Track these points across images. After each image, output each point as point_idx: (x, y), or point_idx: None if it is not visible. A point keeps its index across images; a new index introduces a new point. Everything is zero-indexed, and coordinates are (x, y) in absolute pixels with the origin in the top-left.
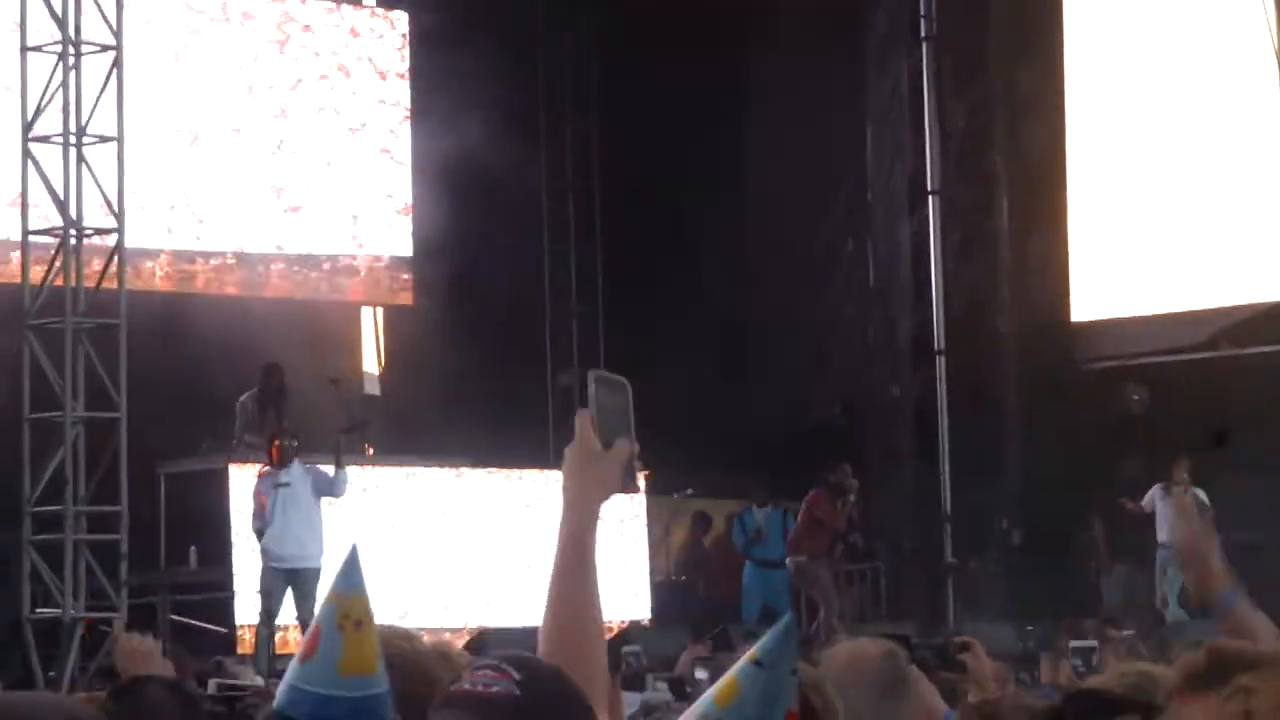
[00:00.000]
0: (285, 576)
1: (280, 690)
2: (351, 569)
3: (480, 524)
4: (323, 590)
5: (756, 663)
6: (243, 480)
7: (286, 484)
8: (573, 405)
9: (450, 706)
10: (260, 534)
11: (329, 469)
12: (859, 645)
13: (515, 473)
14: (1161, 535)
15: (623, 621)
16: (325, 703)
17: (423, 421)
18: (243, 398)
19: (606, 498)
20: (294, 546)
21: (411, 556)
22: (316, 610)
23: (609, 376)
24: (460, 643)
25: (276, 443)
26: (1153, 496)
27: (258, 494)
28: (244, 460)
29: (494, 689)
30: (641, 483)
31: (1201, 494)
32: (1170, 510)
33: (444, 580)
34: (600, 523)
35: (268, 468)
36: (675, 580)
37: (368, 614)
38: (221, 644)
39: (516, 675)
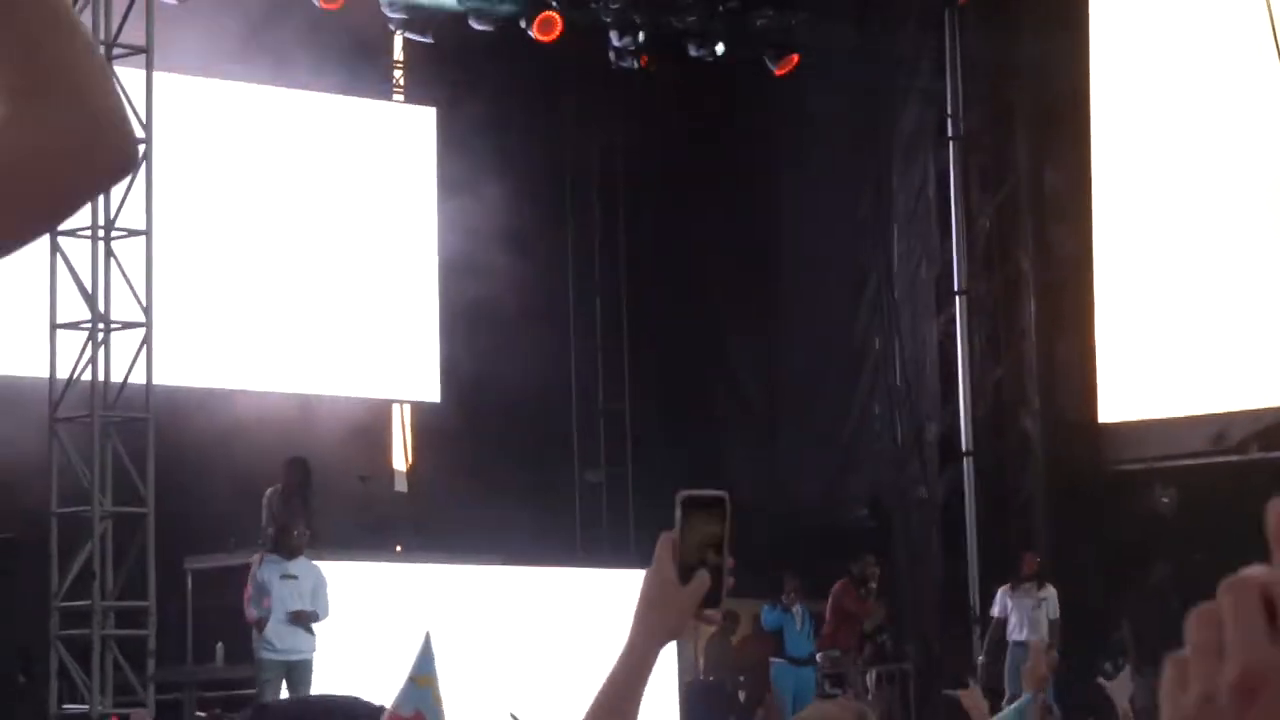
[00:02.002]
0: (284, 669)
1: None
2: (429, 652)
3: (507, 622)
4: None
5: None
6: None
7: (295, 576)
8: (600, 502)
9: None
10: (260, 623)
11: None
12: (825, 712)
13: (543, 570)
14: (1017, 634)
15: None
16: None
17: (450, 519)
18: (268, 493)
19: (671, 637)
20: (297, 639)
21: (439, 655)
22: (400, 694)
23: (701, 495)
24: None
25: (293, 531)
26: (1002, 596)
27: (259, 581)
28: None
29: None
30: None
31: (1052, 591)
32: (1023, 607)
33: (471, 679)
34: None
35: (272, 555)
36: (705, 680)
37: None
38: None
39: None
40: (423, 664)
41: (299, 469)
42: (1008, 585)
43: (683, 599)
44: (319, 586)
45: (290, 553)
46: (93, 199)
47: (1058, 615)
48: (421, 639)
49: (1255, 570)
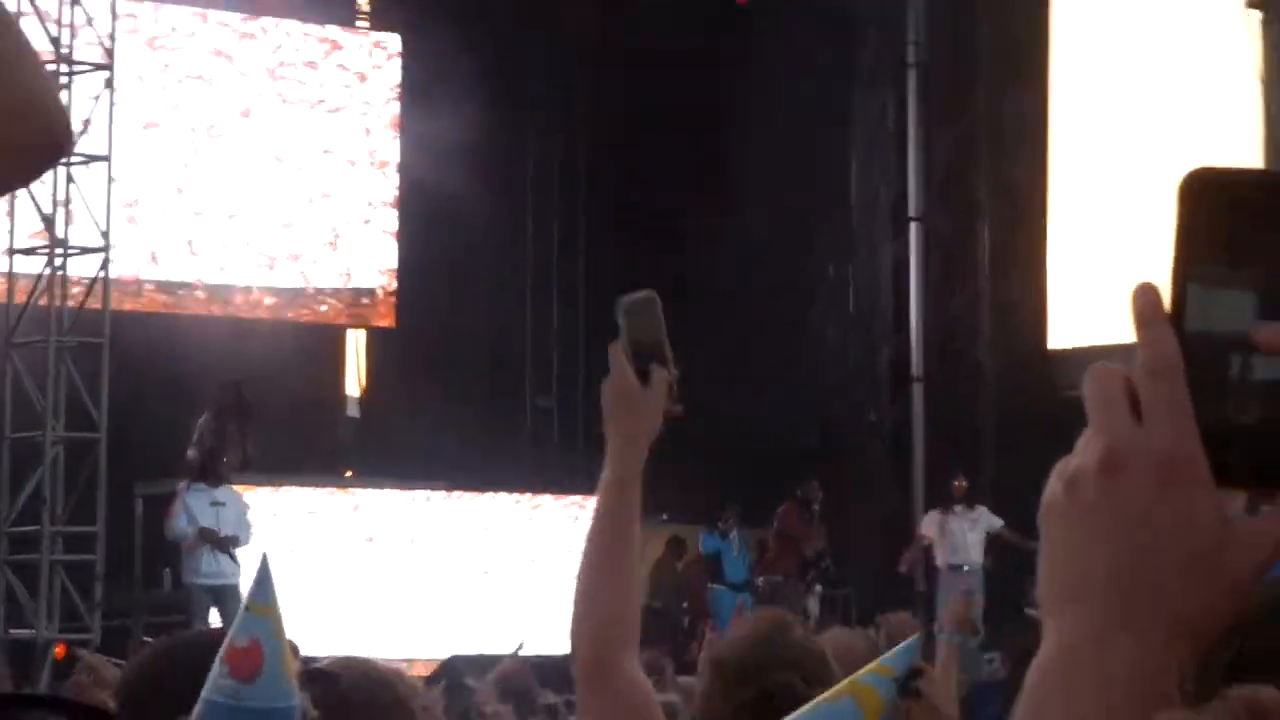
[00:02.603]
0: (213, 594)
1: (211, 714)
2: (268, 578)
3: (457, 548)
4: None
5: (896, 679)
6: None
7: (222, 504)
8: (552, 428)
9: None
10: (190, 544)
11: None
12: (842, 637)
13: (493, 495)
14: (952, 558)
15: None
16: (284, 715)
17: (401, 444)
18: (202, 418)
19: (652, 436)
20: (224, 564)
21: (388, 580)
22: (236, 624)
23: (636, 298)
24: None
25: (220, 458)
26: (934, 520)
27: (188, 506)
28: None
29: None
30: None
31: (982, 510)
32: (959, 531)
33: (420, 605)
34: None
35: (198, 483)
36: (650, 606)
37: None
38: None
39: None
40: (259, 591)
41: (231, 392)
42: (937, 509)
43: (650, 397)
44: (243, 513)
45: (217, 479)
46: (22, 184)
47: (999, 525)
48: (258, 562)
49: (1112, 364)
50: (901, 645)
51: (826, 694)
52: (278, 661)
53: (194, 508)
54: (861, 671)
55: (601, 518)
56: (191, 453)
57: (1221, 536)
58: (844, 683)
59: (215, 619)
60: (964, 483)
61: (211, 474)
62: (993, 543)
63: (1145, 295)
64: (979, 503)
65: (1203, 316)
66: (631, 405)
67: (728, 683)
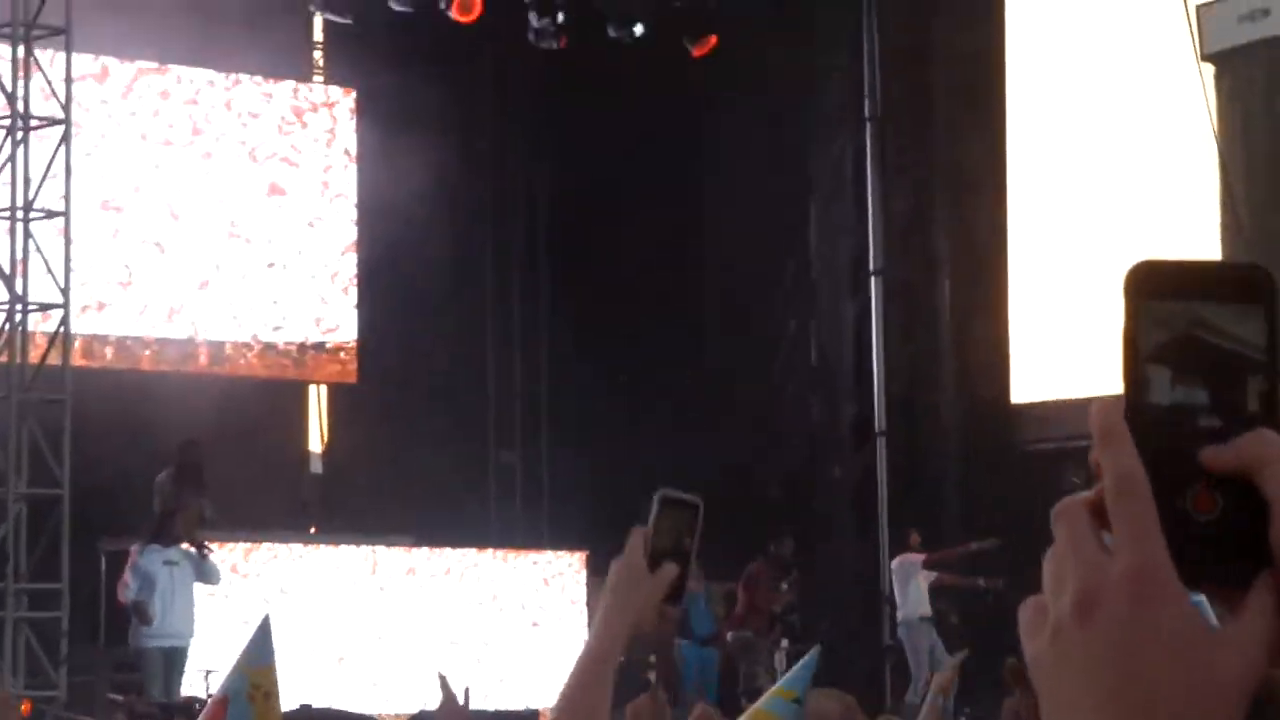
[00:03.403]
0: (165, 656)
1: None
2: (263, 641)
3: (422, 602)
4: (229, 663)
5: (796, 700)
6: None
7: (176, 563)
8: (514, 484)
9: None
10: (140, 609)
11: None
12: (817, 702)
13: (457, 551)
14: (919, 609)
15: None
16: None
17: (365, 500)
18: (160, 476)
19: (641, 623)
20: (179, 624)
21: (352, 636)
22: (221, 681)
23: (678, 496)
24: None
25: (175, 517)
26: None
27: (143, 571)
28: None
29: None
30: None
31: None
32: (918, 584)
33: (386, 660)
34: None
35: (153, 544)
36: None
37: (275, 686)
38: None
39: None
40: (250, 651)
41: (190, 451)
42: (898, 558)
43: (651, 585)
44: (198, 566)
45: (172, 540)
46: None
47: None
48: (259, 624)
49: (1078, 496)
50: (799, 663)
51: None
52: (244, 717)
53: (148, 569)
54: (763, 699)
55: (574, 689)
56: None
57: (1206, 643)
58: (747, 713)
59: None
60: (918, 536)
61: (166, 534)
62: (935, 589)
63: (1105, 413)
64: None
65: (1156, 394)
66: (632, 587)
67: None
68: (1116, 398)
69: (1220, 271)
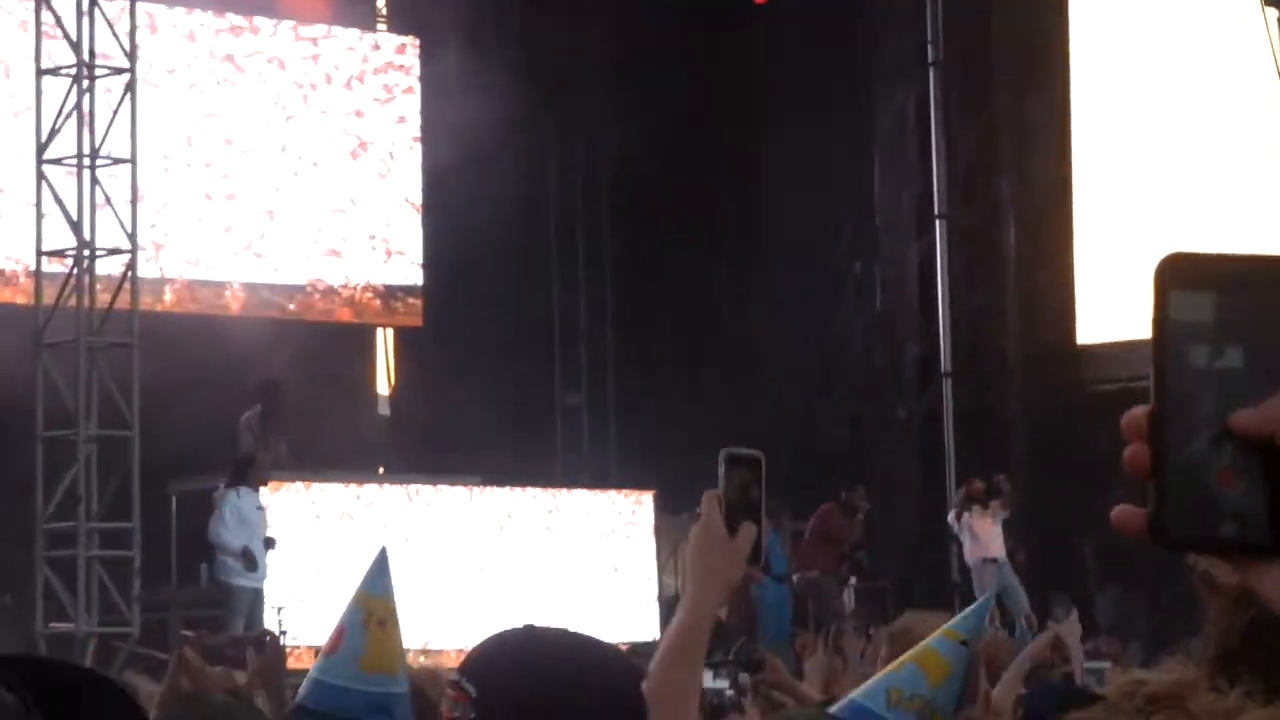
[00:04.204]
0: (255, 594)
1: (304, 683)
2: (380, 571)
3: (489, 543)
4: (350, 591)
5: (963, 643)
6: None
7: (262, 507)
8: (581, 425)
9: None
10: (249, 556)
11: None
12: (939, 623)
13: (524, 491)
14: (985, 552)
15: (632, 644)
16: (344, 694)
17: (432, 441)
18: (245, 415)
19: (729, 589)
20: (264, 568)
21: (420, 576)
22: (343, 610)
23: (741, 453)
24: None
25: (265, 462)
26: (955, 518)
27: (239, 511)
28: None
29: (455, 714)
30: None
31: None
32: (981, 527)
33: (453, 599)
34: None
35: (241, 486)
36: None
37: (392, 615)
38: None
39: (473, 692)
40: (367, 582)
41: (273, 391)
42: (956, 508)
43: (734, 549)
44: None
45: (260, 482)
46: None
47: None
48: (376, 555)
49: None
50: (971, 608)
51: (894, 663)
52: (357, 646)
53: (245, 512)
54: (931, 637)
55: (667, 661)
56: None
57: None
58: (912, 650)
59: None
60: (980, 484)
61: (253, 477)
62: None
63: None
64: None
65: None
66: (716, 555)
67: None
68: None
69: (1249, 264)
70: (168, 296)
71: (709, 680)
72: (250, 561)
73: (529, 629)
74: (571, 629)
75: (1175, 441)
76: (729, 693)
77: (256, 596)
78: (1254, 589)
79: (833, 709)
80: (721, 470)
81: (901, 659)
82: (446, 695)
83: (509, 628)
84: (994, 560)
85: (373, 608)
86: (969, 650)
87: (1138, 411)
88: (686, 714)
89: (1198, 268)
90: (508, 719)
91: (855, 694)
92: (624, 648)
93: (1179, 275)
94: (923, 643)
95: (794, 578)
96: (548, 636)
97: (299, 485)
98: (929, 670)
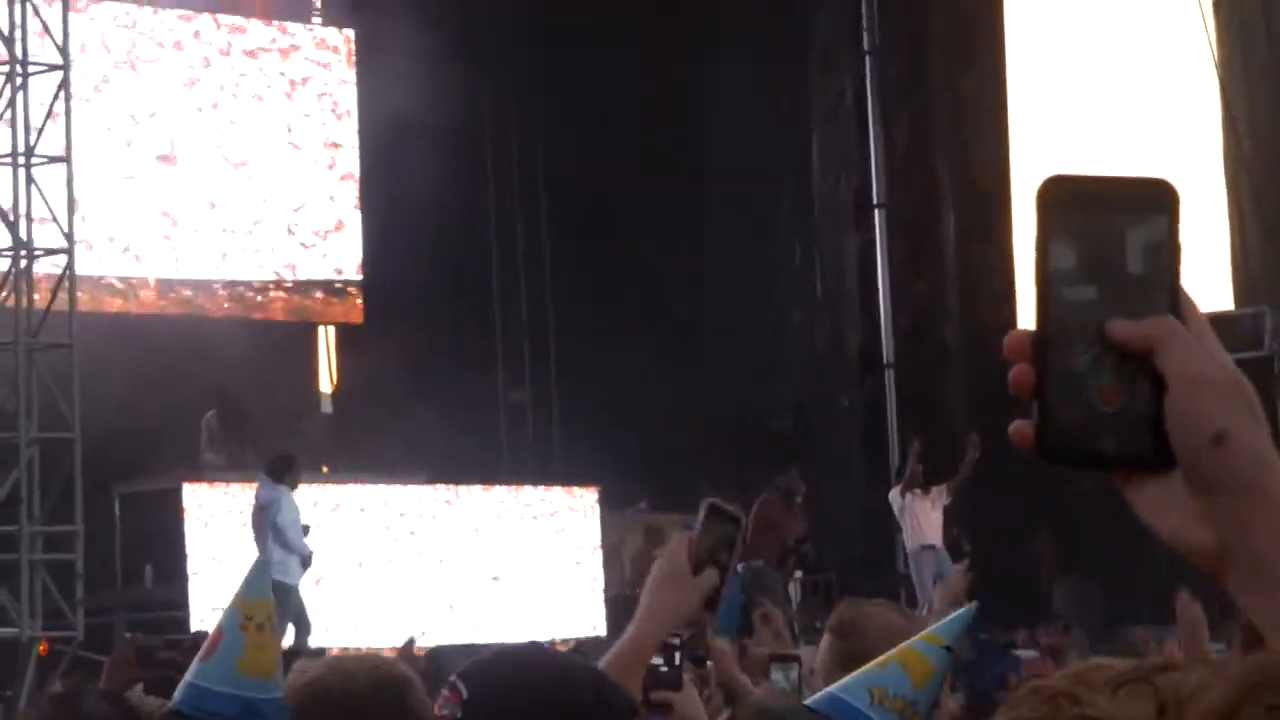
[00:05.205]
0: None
1: (179, 688)
2: (260, 576)
3: (434, 540)
4: (227, 599)
5: (947, 647)
6: (197, 499)
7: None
8: (525, 422)
9: None
10: (307, 558)
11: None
12: (881, 613)
13: (468, 489)
14: (922, 539)
15: (577, 640)
16: (220, 699)
17: (376, 439)
18: (207, 416)
19: (678, 620)
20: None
21: (365, 574)
22: (219, 617)
23: (724, 508)
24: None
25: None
26: (895, 501)
27: (285, 507)
28: (200, 479)
29: (444, 712)
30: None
31: (942, 491)
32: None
33: (397, 597)
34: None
35: (280, 485)
36: (630, 594)
37: (269, 618)
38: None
39: (464, 693)
40: (244, 586)
41: (225, 398)
42: (896, 491)
43: (694, 587)
44: None
45: (297, 482)
46: None
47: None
48: (253, 564)
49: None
50: (953, 615)
51: (874, 662)
52: (235, 650)
53: (294, 514)
54: (912, 640)
55: (612, 667)
56: (211, 456)
57: None
58: (893, 650)
59: None
60: (920, 467)
61: (293, 476)
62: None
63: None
64: (940, 482)
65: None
66: (674, 588)
67: None
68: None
69: (1126, 185)
70: (106, 296)
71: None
72: (307, 566)
73: (534, 645)
74: (577, 660)
75: (1057, 361)
76: (663, 669)
77: (297, 594)
78: (1132, 504)
79: (808, 701)
80: (701, 517)
81: (883, 658)
82: (442, 694)
83: (516, 643)
84: (932, 547)
85: (251, 611)
86: (951, 655)
87: (1021, 333)
88: None
89: (1074, 190)
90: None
91: (833, 688)
92: (570, 644)
93: (1058, 197)
94: (904, 644)
95: (738, 567)
96: (549, 656)
97: (240, 486)
98: (913, 670)
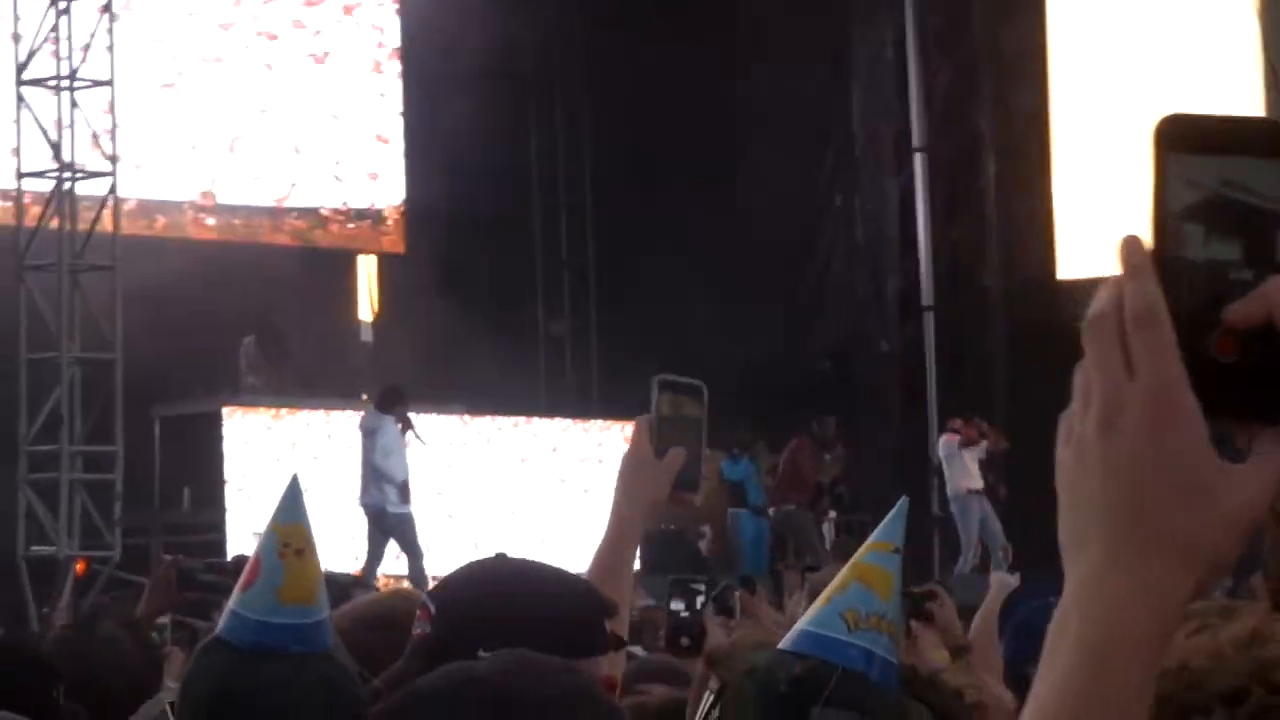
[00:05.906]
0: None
1: (222, 617)
2: (293, 499)
3: (474, 471)
4: (264, 521)
5: (896, 550)
6: (236, 423)
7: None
8: (564, 354)
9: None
10: (403, 484)
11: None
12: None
13: (508, 420)
14: (968, 483)
15: None
16: (264, 629)
17: (415, 369)
18: (245, 341)
19: (651, 512)
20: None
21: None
22: (259, 541)
23: (678, 381)
24: None
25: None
26: (943, 447)
27: (388, 435)
28: (239, 404)
29: (418, 630)
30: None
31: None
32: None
33: (436, 527)
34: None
35: (386, 415)
36: (666, 530)
37: (309, 543)
38: None
39: (432, 609)
40: (279, 510)
41: (266, 324)
42: (948, 437)
43: (658, 471)
44: None
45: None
46: None
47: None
48: (288, 483)
49: (1106, 304)
50: (889, 516)
51: (832, 585)
52: (274, 578)
53: (394, 442)
54: (862, 554)
55: (596, 576)
56: (254, 379)
57: (1216, 473)
58: (845, 570)
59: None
60: (959, 422)
61: (402, 406)
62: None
63: (1130, 247)
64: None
65: (1188, 249)
66: (640, 477)
67: None
68: (1139, 236)
69: (1248, 126)
70: (148, 220)
71: (671, 603)
72: (405, 493)
73: (499, 556)
74: (547, 566)
75: (1171, 305)
76: (684, 614)
77: (407, 521)
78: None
79: (781, 644)
80: (653, 396)
81: (839, 581)
82: (416, 615)
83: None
84: (978, 492)
85: (288, 536)
86: (900, 557)
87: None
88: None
89: (1197, 130)
90: (466, 635)
91: (804, 624)
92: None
93: (1177, 137)
94: (852, 560)
95: (770, 511)
96: (514, 563)
97: (284, 412)
98: (875, 585)
